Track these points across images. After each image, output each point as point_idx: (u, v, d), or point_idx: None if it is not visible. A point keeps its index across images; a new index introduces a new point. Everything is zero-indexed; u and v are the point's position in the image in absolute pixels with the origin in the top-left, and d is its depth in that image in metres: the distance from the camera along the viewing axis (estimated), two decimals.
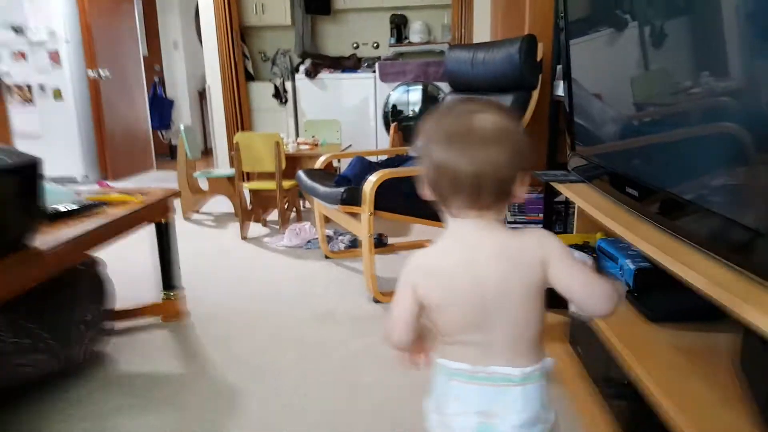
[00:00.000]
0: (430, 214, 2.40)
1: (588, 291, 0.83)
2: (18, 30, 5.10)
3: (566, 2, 1.82)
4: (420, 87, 5.69)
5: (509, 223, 3.04)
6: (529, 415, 0.82)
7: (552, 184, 1.79)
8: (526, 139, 0.81)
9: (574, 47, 1.79)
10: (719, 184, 1.05)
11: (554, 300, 1.93)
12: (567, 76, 1.84)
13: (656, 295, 1.33)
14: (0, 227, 1.28)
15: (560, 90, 2.49)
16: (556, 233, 1.84)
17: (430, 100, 5.75)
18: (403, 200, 2.35)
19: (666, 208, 1.24)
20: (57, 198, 1.68)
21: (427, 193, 0.84)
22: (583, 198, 1.60)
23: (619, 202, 1.47)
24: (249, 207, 3.62)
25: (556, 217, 2.73)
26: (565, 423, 1.48)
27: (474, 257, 0.81)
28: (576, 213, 1.82)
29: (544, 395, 0.85)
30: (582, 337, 1.58)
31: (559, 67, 2.54)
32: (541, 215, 2.88)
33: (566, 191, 1.71)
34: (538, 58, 2.44)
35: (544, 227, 2.71)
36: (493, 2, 4.74)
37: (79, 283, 1.66)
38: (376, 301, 2.32)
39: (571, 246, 1.67)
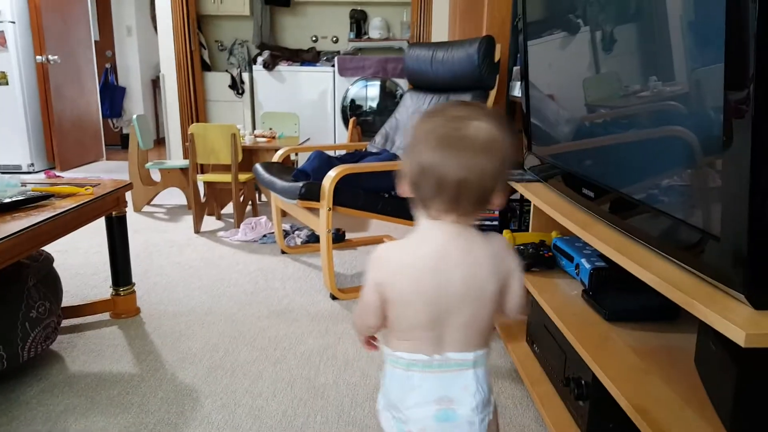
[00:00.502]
0: (388, 210, 2.38)
1: (521, 303, 0.90)
2: None
3: (525, 4, 1.82)
4: (378, 83, 5.66)
5: None
6: (482, 397, 0.86)
7: (509, 182, 1.80)
8: (512, 150, 0.81)
9: (532, 49, 1.79)
10: (669, 185, 1.07)
11: None
12: (524, 77, 1.85)
13: (612, 294, 1.35)
14: None
15: (516, 91, 2.50)
16: (512, 230, 1.85)
17: (388, 95, 5.73)
18: (362, 196, 2.32)
19: (620, 209, 1.25)
20: (1, 188, 1.57)
21: (405, 190, 0.84)
22: (539, 197, 1.61)
23: (575, 202, 1.48)
24: (203, 200, 3.51)
25: (511, 214, 2.75)
26: (528, 422, 1.49)
27: (443, 261, 0.82)
28: (532, 212, 1.83)
29: (490, 379, 0.90)
30: (539, 337, 1.59)
31: (515, 68, 2.56)
32: (496, 212, 2.90)
33: (523, 190, 1.72)
34: (496, 59, 2.44)
35: (500, 224, 2.72)
36: (451, 2, 4.75)
37: (24, 278, 1.56)
38: (334, 298, 2.29)
39: (527, 245, 1.68)
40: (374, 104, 5.77)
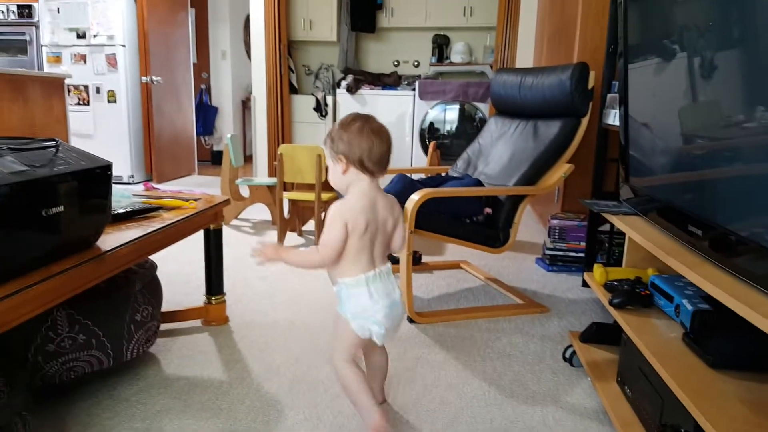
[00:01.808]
0: (469, 235, 2.36)
1: (402, 242, 1.48)
2: (81, 34, 5.26)
3: (626, 27, 1.77)
4: (458, 106, 5.67)
5: (549, 250, 2.97)
6: (398, 290, 1.45)
7: (604, 215, 1.74)
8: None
9: (632, 74, 1.73)
10: None
11: (603, 336, 1.86)
12: (623, 104, 1.79)
13: (717, 339, 1.26)
14: (77, 226, 1.29)
15: (610, 119, 2.43)
16: (601, 264, 1.78)
17: (467, 119, 5.72)
18: (443, 220, 2.32)
19: (729, 247, 1.18)
20: (116, 199, 1.70)
21: (344, 169, 1.38)
22: (637, 231, 1.54)
23: (677, 238, 1.41)
24: (287, 216, 3.63)
25: (598, 247, 2.65)
26: None
27: (375, 205, 1.39)
28: (627, 246, 1.76)
29: None
30: (632, 378, 1.51)
31: (609, 95, 2.49)
32: (582, 243, 2.80)
33: (619, 223, 1.65)
34: (590, 86, 2.38)
35: (586, 257, 2.63)
36: (539, 27, 4.70)
37: (132, 283, 1.67)
38: (412, 321, 2.28)
39: (621, 281, 1.60)
40: (452, 128, 5.78)
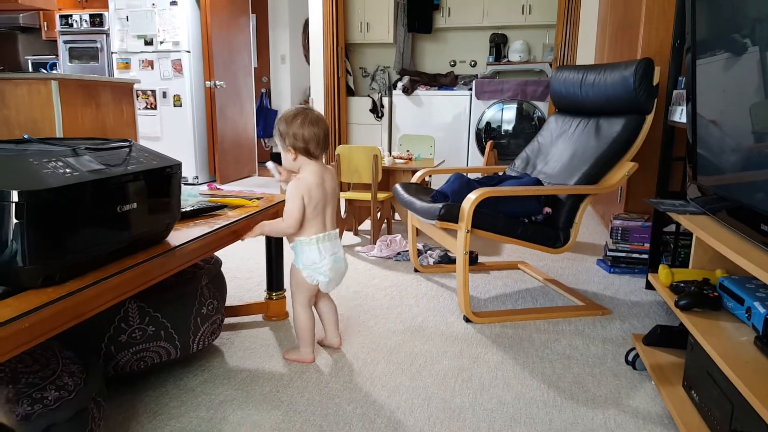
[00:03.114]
0: (528, 235, 2.33)
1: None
2: (148, 41, 5.53)
3: (695, 21, 1.70)
4: (515, 105, 5.59)
5: (611, 251, 2.89)
6: (342, 249, 1.87)
7: (670, 214, 1.68)
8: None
9: (701, 70, 1.67)
10: None
11: (668, 339, 1.81)
12: (691, 101, 1.72)
13: None
14: (149, 222, 1.37)
15: (676, 116, 2.34)
16: (666, 265, 1.72)
17: (524, 118, 5.63)
18: (501, 220, 2.30)
19: None
20: (184, 198, 1.78)
21: (294, 156, 1.73)
22: (706, 231, 1.48)
23: (749, 238, 1.34)
24: (344, 216, 3.69)
25: (663, 248, 2.55)
26: None
27: (324, 180, 1.76)
28: (694, 246, 1.69)
29: None
30: (700, 383, 1.45)
31: (675, 92, 2.39)
32: (647, 245, 2.71)
33: (686, 223, 1.59)
34: (655, 83, 2.30)
35: (651, 258, 2.54)
36: (600, 23, 4.58)
37: (199, 278, 1.75)
38: (468, 321, 2.27)
39: (688, 282, 1.54)
40: (510, 127, 5.71)
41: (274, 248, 2.16)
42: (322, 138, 1.73)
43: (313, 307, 1.93)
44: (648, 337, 1.85)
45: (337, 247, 1.82)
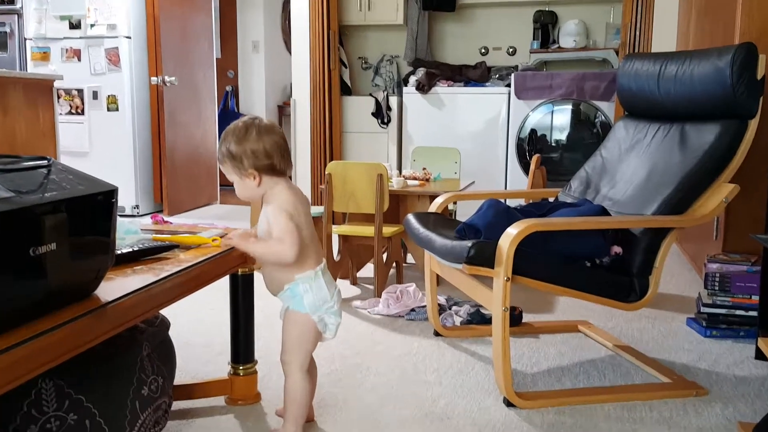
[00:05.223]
0: (589, 285, 2.32)
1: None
2: (74, 24, 5.61)
3: None
4: (570, 107, 5.64)
5: (705, 306, 2.89)
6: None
7: None
8: None
9: None
10: None
11: None
12: None
13: None
14: (72, 269, 1.36)
15: None
16: None
17: (583, 125, 5.68)
18: (554, 263, 2.30)
19: None
20: (120, 236, 1.79)
21: (258, 182, 1.78)
22: None
23: None
24: (336, 258, 3.69)
25: None
26: None
27: (302, 198, 1.87)
28: None
29: None
30: None
31: None
32: (755, 297, 2.69)
33: None
34: (759, 76, 2.32)
35: (761, 317, 2.52)
36: None
37: (139, 346, 1.73)
38: (510, 405, 2.24)
39: None
40: (563, 137, 5.75)
41: (242, 303, 2.15)
42: (284, 146, 1.81)
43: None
44: (761, 426, 1.83)
45: (329, 277, 1.93)
